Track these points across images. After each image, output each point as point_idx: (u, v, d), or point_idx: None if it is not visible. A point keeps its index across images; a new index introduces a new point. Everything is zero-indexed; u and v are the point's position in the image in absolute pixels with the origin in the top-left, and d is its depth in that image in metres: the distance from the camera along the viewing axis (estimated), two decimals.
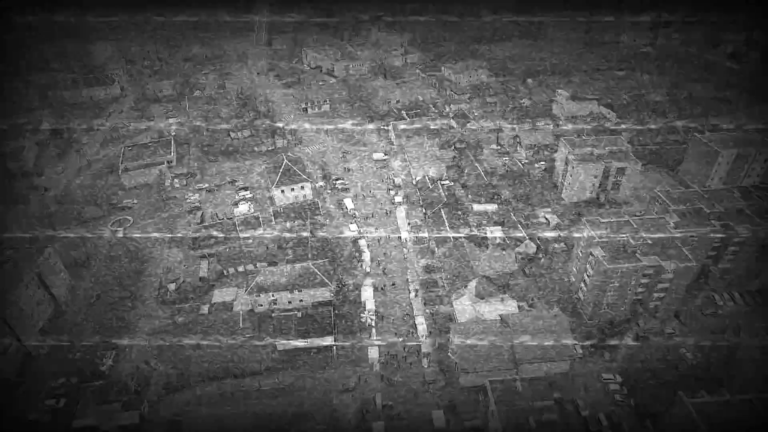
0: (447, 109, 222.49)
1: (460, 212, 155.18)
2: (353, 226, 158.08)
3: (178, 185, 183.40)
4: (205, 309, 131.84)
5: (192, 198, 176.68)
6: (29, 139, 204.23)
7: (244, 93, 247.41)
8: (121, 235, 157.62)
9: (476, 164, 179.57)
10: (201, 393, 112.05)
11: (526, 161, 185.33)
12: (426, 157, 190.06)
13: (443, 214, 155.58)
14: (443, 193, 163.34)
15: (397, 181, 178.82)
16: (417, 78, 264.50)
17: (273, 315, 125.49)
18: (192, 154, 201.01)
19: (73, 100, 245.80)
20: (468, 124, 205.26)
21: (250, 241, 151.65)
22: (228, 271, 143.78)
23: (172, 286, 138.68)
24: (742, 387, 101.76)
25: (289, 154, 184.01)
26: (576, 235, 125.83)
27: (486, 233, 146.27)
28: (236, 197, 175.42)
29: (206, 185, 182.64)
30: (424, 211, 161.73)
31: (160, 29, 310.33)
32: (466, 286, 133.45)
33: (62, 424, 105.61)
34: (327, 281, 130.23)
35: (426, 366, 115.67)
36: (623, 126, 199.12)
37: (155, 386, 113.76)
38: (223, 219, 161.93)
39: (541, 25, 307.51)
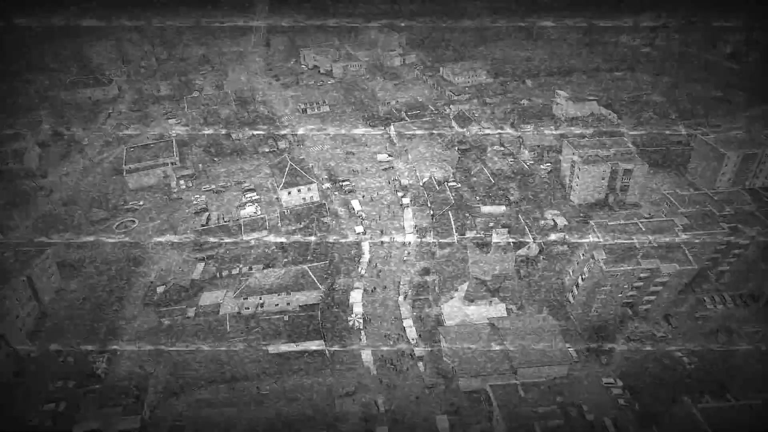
0: (447, 110, 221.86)
1: (467, 214, 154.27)
2: (359, 228, 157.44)
3: (183, 186, 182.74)
4: (191, 312, 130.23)
5: (198, 199, 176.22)
6: (30, 140, 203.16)
7: (243, 93, 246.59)
8: (129, 240, 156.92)
9: (482, 166, 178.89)
10: (200, 397, 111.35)
11: (531, 162, 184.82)
12: (430, 158, 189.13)
13: (451, 216, 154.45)
14: (451, 195, 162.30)
15: (404, 182, 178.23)
16: (416, 78, 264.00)
17: (260, 318, 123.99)
18: (194, 155, 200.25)
19: (71, 100, 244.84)
20: (469, 126, 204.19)
21: (253, 242, 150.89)
22: (221, 274, 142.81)
23: (160, 289, 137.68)
24: (740, 389, 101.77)
25: (292, 155, 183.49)
26: (581, 241, 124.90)
27: (492, 236, 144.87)
28: (243, 199, 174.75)
29: (212, 186, 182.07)
30: (432, 212, 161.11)
31: (158, 30, 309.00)
32: (456, 289, 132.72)
33: (63, 429, 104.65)
34: (318, 284, 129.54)
35: (423, 369, 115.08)
36: (625, 127, 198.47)
37: (154, 390, 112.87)
38: (229, 221, 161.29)
39: (540, 26, 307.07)
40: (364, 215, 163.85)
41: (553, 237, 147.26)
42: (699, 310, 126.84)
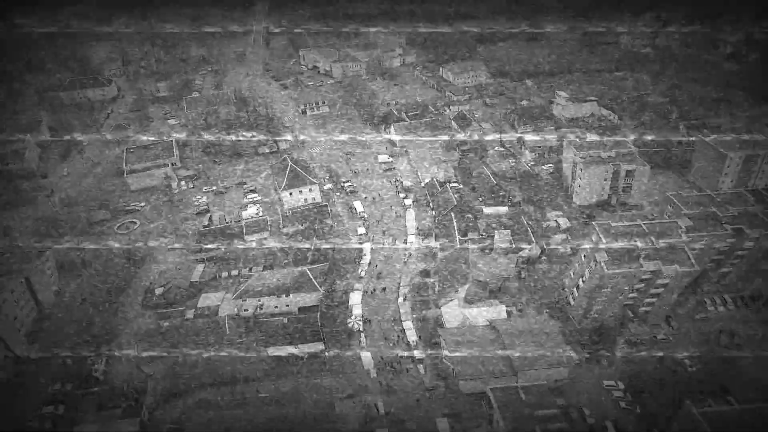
0: (447, 111, 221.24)
1: (470, 215, 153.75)
2: (361, 229, 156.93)
3: (185, 187, 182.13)
4: (190, 314, 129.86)
5: (200, 200, 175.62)
6: (29, 141, 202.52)
7: (242, 94, 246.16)
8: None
9: (484, 167, 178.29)
10: (200, 400, 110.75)
11: (532, 163, 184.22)
12: (431, 159, 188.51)
13: (453, 218, 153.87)
14: (453, 196, 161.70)
15: (406, 183, 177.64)
16: (415, 79, 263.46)
17: (259, 320, 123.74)
18: (195, 155, 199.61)
19: (70, 101, 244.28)
20: (470, 127, 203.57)
21: (254, 244, 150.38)
22: (221, 275, 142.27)
23: (158, 290, 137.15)
24: (742, 392, 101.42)
25: (293, 156, 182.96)
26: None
27: (495, 237, 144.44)
28: (244, 200, 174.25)
29: (214, 187, 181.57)
30: (434, 214, 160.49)
31: (157, 30, 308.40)
32: (456, 291, 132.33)
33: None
34: (317, 286, 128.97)
35: (423, 372, 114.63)
36: (625, 128, 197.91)
37: (152, 392, 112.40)
38: (231, 222, 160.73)
39: (540, 26, 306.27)
40: (366, 216, 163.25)
41: (557, 238, 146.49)
42: (700, 311, 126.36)
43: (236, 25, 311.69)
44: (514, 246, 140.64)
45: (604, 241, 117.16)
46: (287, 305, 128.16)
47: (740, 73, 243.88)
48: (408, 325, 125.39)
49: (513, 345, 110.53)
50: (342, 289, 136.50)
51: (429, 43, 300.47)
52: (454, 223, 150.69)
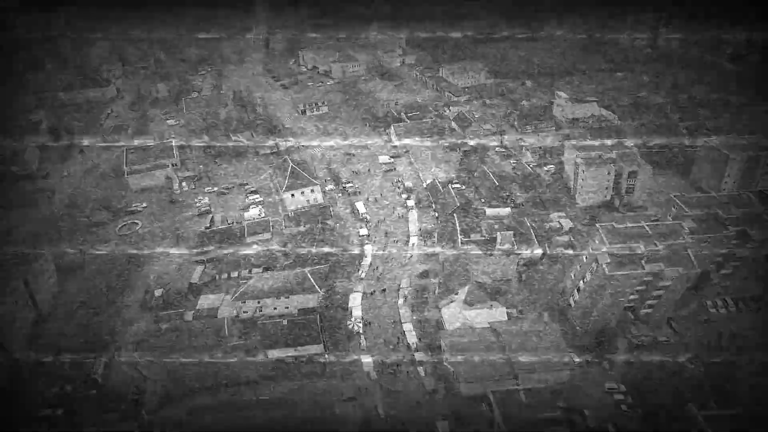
0: (447, 112, 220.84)
1: (473, 217, 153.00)
2: (363, 231, 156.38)
3: (186, 188, 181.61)
4: (189, 315, 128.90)
5: (202, 201, 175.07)
6: (29, 141, 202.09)
7: (241, 94, 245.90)
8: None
9: (485, 168, 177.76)
10: (198, 402, 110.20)
11: (534, 164, 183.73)
12: (433, 160, 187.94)
13: (456, 219, 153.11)
14: (455, 197, 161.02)
15: (408, 184, 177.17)
16: (415, 79, 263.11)
17: (258, 322, 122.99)
18: (195, 156, 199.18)
19: (70, 101, 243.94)
20: (469, 128, 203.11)
21: (255, 245, 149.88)
22: (220, 277, 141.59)
23: (157, 292, 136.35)
24: (744, 394, 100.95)
25: (294, 156, 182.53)
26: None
27: (497, 238, 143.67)
28: (246, 201, 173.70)
29: (215, 188, 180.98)
30: (437, 215, 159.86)
31: (156, 30, 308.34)
32: (457, 293, 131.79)
33: None
34: (317, 288, 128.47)
35: (423, 374, 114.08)
36: (625, 128, 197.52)
37: (151, 395, 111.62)
38: (233, 223, 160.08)
39: (539, 26, 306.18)
40: (368, 217, 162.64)
41: (560, 239, 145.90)
42: (702, 313, 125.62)
43: (236, 25, 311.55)
44: (516, 247, 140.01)
45: (606, 242, 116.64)
46: (287, 307, 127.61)
47: (741, 74, 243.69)
48: (408, 327, 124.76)
49: (513, 348, 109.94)
50: (342, 291, 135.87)
51: (429, 43, 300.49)
52: (457, 225, 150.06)
